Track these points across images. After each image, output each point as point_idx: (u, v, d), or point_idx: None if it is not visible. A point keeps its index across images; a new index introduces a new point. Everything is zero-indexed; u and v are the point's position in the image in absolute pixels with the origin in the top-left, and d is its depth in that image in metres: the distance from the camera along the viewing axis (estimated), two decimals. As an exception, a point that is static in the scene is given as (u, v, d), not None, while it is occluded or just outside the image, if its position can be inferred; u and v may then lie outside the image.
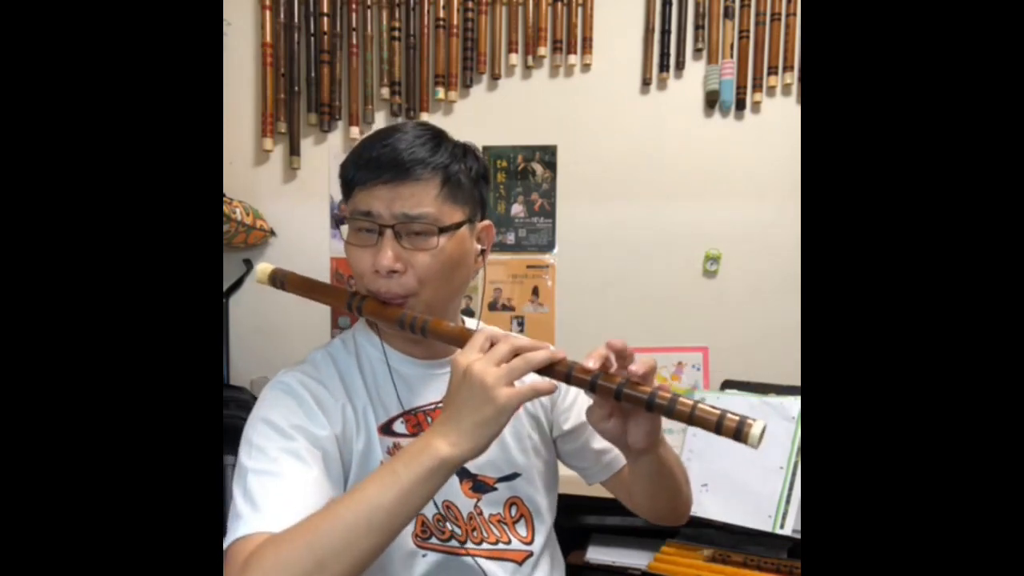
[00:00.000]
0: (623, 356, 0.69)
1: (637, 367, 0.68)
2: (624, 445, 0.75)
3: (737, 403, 1.51)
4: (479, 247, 0.85)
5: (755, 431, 0.64)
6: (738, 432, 0.64)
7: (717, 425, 0.65)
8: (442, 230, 0.77)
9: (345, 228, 0.81)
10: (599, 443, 0.92)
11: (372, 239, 0.78)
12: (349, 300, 0.80)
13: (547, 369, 0.69)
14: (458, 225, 0.79)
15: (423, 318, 0.76)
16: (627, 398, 0.68)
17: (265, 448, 0.73)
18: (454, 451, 0.65)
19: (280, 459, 0.72)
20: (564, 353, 0.70)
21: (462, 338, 0.73)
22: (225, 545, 0.68)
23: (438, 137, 0.81)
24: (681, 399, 0.67)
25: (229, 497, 0.72)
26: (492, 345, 0.69)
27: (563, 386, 0.94)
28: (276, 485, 0.70)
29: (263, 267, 0.84)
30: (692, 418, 0.66)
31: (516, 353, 0.68)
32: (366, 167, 0.78)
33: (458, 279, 0.83)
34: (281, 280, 0.84)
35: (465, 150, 0.83)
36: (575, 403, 0.94)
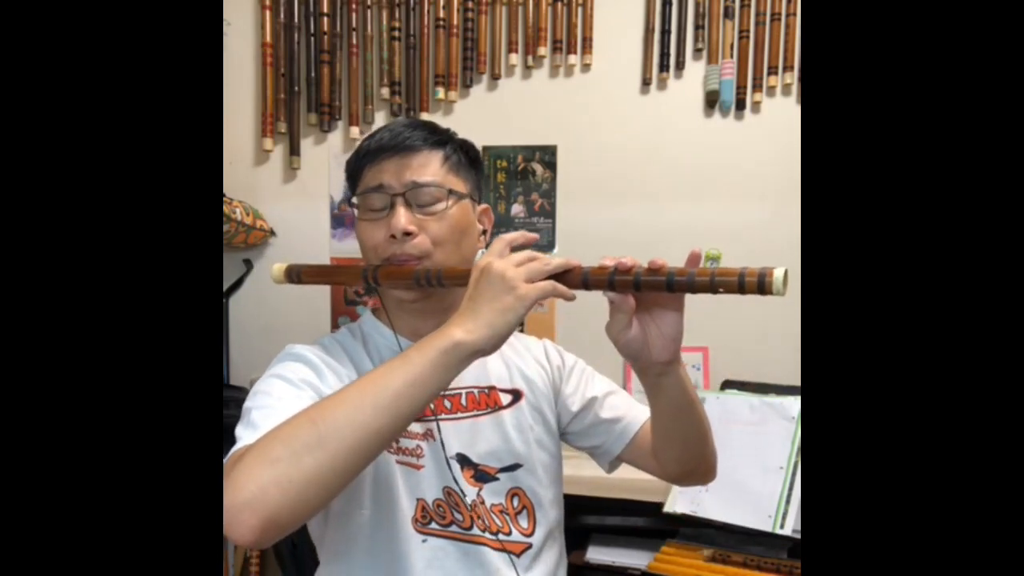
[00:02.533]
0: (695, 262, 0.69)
1: (652, 260, 0.68)
2: (648, 361, 0.74)
3: (737, 403, 1.51)
4: (480, 227, 0.89)
5: (777, 275, 0.62)
6: (760, 284, 0.63)
7: (739, 284, 0.64)
8: (450, 192, 0.82)
9: (356, 213, 0.85)
10: (608, 413, 0.92)
11: (383, 213, 0.82)
12: (364, 272, 0.83)
13: (564, 276, 0.69)
14: (463, 195, 0.84)
15: (436, 268, 0.78)
16: (646, 285, 0.67)
17: (270, 392, 0.74)
18: (469, 336, 0.65)
19: (285, 398, 0.73)
20: (579, 262, 0.70)
21: None
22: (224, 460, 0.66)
23: (432, 124, 0.88)
24: (699, 270, 0.66)
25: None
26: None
27: (565, 372, 0.96)
28: (277, 414, 0.69)
29: (277, 267, 0.88)
30: (713, 284, 0.65)
31: (533, 258, 0.69)
32: (372, 150, 0.84)
33: (465, 247, 0.85)
34: (297, 274, 0.87)
35: (459, 139, 0.89)
36: (579, 385, 0.95)
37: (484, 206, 0.90)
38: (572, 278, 0.69)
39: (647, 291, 0.69)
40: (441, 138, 0.85)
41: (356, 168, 0.86)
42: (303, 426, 0.61)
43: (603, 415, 0.93)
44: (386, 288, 0.85)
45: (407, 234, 0.80)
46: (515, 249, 0.71)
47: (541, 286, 0.67)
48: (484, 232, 0.90)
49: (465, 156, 0.87)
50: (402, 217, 0.80)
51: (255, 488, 0.58)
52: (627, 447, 0.92)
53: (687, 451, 0.86)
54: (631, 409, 0.92)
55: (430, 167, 0.82)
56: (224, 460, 0.66)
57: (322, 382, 0.77)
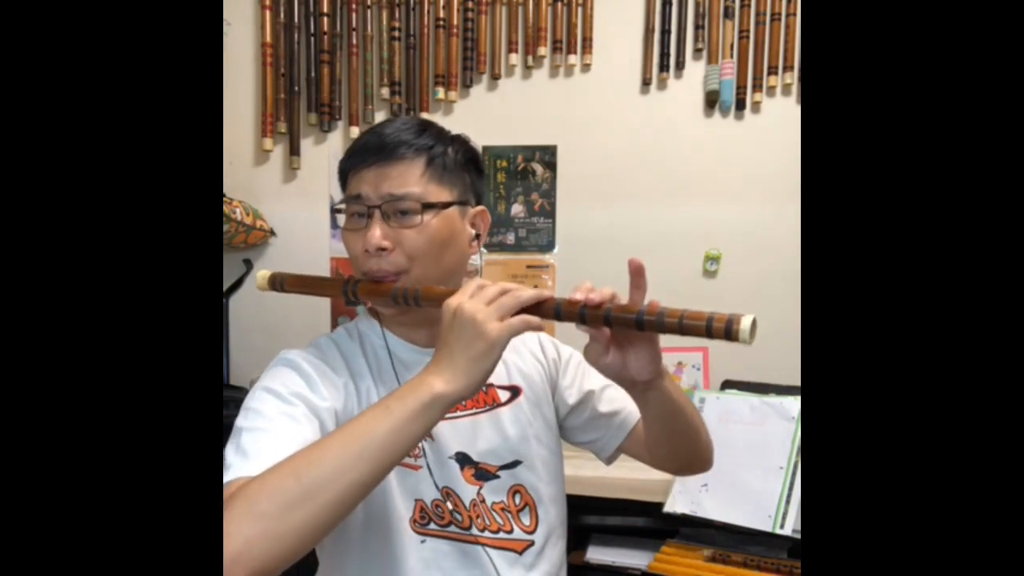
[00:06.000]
0: (639, 275, 0.69)
1: (627, 300, 0.69)
2: (629, 381, 0.75)
3: (737, 403, 1.51)
4: (473, 231, 0.86)
5: (744, 324, 0.62)
6: (728, 330, 0.63)
7: (707, 328, 0.64)
8: (426, 207, 0.80)
9: (343, 218, 0.84)
10: (606, 406, 0.93)
11: (363, 222, 0.81)
12: (343, 286, 0.82)
13: (536, 307, 0.70)
14: (444, 205, 0.81)
15: (414, 288, 0.78)
16: (616, 321, 0.68)
17: (262, 410, 0.74)
18: (448, 387, 0.66)
19: (276, 419, 0.73)
20: (552, 293, 0.71)
21: None
22: None
23: (424, 124, 0.84)
24: (669, 310, 0.66)
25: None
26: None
27: (561, 366, 0.95)
28: (267, 438, 0.70)
29: (262, 274, 0.87)
30: (682, 327, 0.66)
31: (504, 292, 0.69)
32: (355, 154, 0.82)
33: (448, 258, 0.83)
34: (280, 282, 0.86)
35: (452, 137, 0.85)
36: (576, 377, 0.95)
37: (479, 208, 0.87)
38: (544, 310, 0.70)
39: (617, 327, 0.69)
40: (425, 143, 0.81)
41: (343, 170, 0.84)
42: (288, 479, 0.62)
43: (601, 409, 0.93)
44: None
45: (381, 249, 0.79)
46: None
47: (512, 324, 0.67)
48: (477, 236, 0.87)
49: (452, 158, 0.83)
50: (376, 232, 0.78)
51: (243, 542, 0.59)
52: (625, 440, 0.94)
53: (679, 449, 0.89)
54: (628, 402, 0.91)
55: (409, 177, 0.79)
56: None
57: (314, 392, 0.77)
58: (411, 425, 0.65)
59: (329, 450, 0.63)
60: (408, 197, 0.79)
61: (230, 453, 0.70)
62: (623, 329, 0.71)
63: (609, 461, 0.96)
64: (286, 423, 0.72)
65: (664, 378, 0.78)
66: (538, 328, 0.70)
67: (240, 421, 0.74)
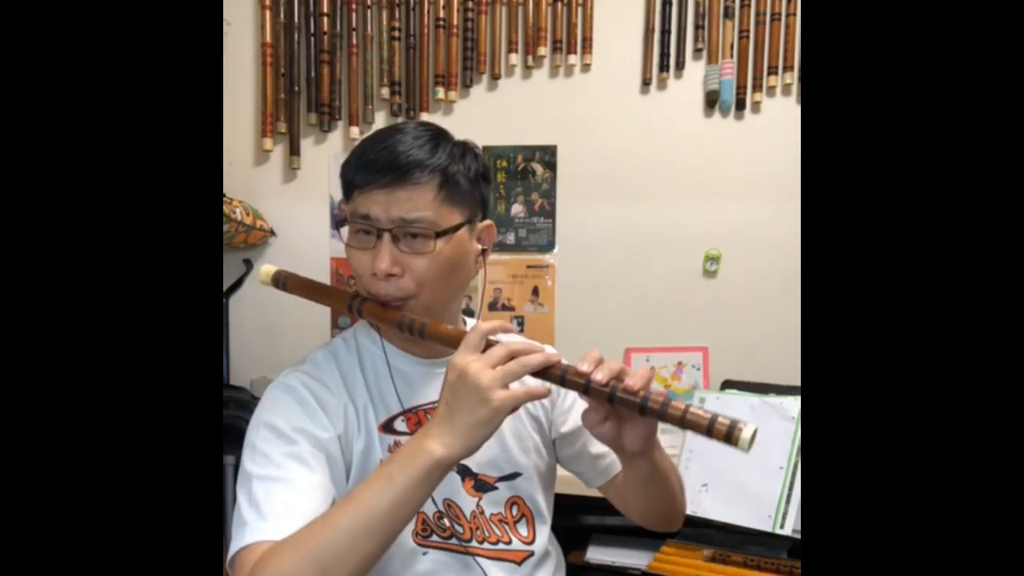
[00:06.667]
0: (619, 378, 0.69)
1: (633, 381, 0.68)
2: (620, 448, 0.76)
3: (737, 403, 1.51)
4: (479, 247, 0.85)
5: (745, 434, 0.64)
6: (729, 435, 0.65)
7: (708, 428, 0.66)
8: (439, 234, 0.78)
9: (346, 229, 0.82)
10: (596, 448, 0.93)
11: (371, 241, 0.78)
12: (350, 302, 0.80)
13: (542, 372, 0.69)
14: (456, 227, 0.79)
15: (421, 320, 0.77)
16: (620, 402, 0.68)
17: (268, 453, 0.74)
18: (448, 451, 0.66)
19: (284, 464, 0.73)
20: (559, 356, 0.71)
21: (460, 340, 0.73)
22: (231, 552, 0.69)
23: (437, 138, 0.80)
24: (673, 403, 0.67)
25: (230, 498, 0.72)
26: (488, 346, 0.70)
27: (562, 389, 0.95)
28: (280, 491, 0.71)
29: (266, 268, 0.85)
30: (684, 421, 0.66)
31: (512, 356, 0.68)
32: (364, 169, 0.78)
33: (457, 280, 0.83)
34: (284, 281, 0.85)
35: (464, 150, 0.82)
36: (574, 406, 0.94)
37: (486, 223, 0.85)
38: (550, 376, 0.70)
39: (620, 406, 0.70)
40: (439, 162, 0.77)
41: (349, 181, 0.80)
42: (304, 561, 0.64)
43: (591, 449, 0.93)
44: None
45: (390, 275, 0.77)
46: (491, 343, 0.70)
47: (516, 395, 0.67)
48: (483, 251, 0.85)
49: (466, 176, 0.80)
50: (386, 258, 0.76)
51: None
52: (606, 485, 0.95)
53: (652, 510, 0.91)
54: None
55: (421, 200, 0.76)
56: (234, 549, 0.69)
57: (315, 423, 0.78)
58: (414, 492, 0.66)
59: (340, 527, 0.65)
60: (420, 222, 0.77)
61: (243, 505, 0.71)
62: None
63: (590, 488, 0.98)
64: (295, 469, 0.73)
65: (655, 450, 0.79)
66: (543, 397, 0.71)
67: (248, 464, 0.74)
